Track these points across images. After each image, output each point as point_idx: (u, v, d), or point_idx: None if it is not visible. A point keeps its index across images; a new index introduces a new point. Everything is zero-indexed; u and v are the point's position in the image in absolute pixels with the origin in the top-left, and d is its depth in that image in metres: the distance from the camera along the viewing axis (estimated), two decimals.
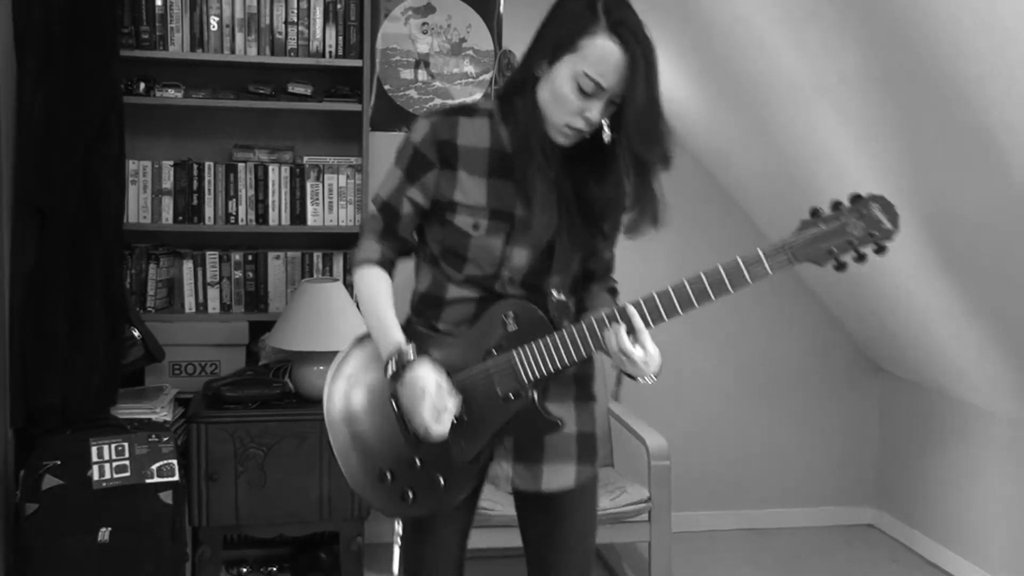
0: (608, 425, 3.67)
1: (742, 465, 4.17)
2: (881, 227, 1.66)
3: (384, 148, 3.54)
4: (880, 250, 1.69)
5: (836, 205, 1.68)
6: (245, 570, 3.36)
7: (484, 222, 1.84)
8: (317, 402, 3.14)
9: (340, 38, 3.48)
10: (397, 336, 1.85)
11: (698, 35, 3.19)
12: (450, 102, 3.62)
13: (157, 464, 2.92)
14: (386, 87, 3.65)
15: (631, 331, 1.75)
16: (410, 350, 1.81)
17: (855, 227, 1.67)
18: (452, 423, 1.81)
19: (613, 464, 3.66)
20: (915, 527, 4.00)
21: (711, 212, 3.97)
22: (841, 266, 1.69)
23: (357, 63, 3.46)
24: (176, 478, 2.91)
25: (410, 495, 1.88)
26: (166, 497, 2.90)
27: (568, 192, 1.86)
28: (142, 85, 3.35)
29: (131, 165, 3.35)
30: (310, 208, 3.50)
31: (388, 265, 1.94)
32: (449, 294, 1.90)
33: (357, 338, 1.99)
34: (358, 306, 1.99)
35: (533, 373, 1.82)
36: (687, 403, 4.08)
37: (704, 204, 3.94)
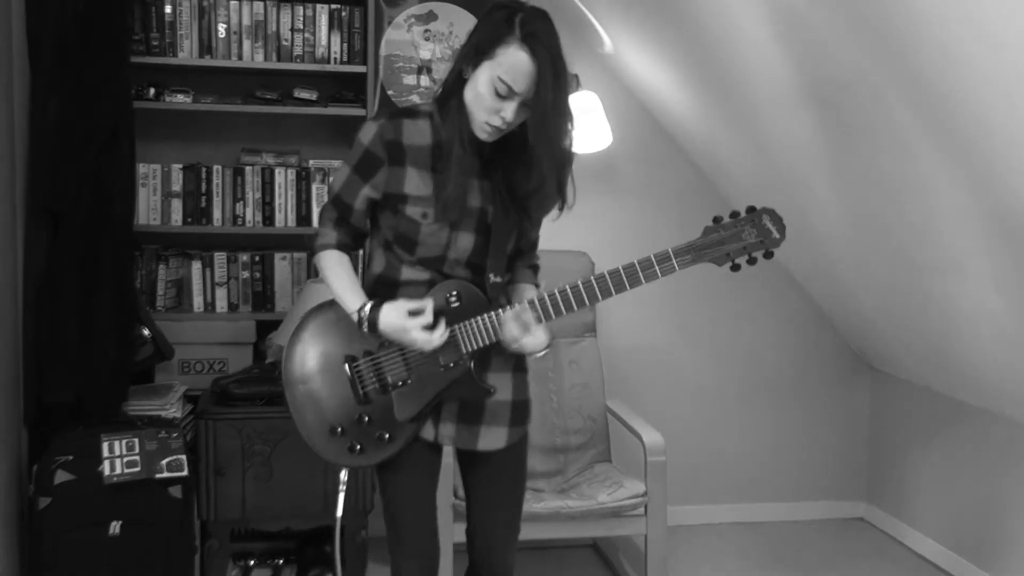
0: (605, 420, 3.67)
1: (736, 460, 4.17)
2: (770, 236, 1.94)
3: None
4: (768, 255, 1.96)
5: (734, 214, 1.94)
6: (252, 562, 3.36)
7: (431, 211, 2.02)
8: None
9: (344, 45, 3.48)
10: (358, 297, 2.06)
11: (692, 43, 3.19)
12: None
13: (166, 459, 2.92)
14: (389, 92, 3.65)
15: (525, 323, 2.00)
16: (368, 303, 2.03)
17: (749, 234, 1.94)
18: (398, 385, 2.08)
19: (611, 459, 3.66)
20: (903, 520, 4.00)
21: (706, 213, 3.96)
22: (735, 267, 1.95)
23: (361, 69, 3.46)
24: (185, 473, 2.92)
25: (357, 447, 2.10)
26: (175, 491, 2.90)
27: (499, 181, 2.06)
28: (152, 90, 3.35)
29: (141, 168, 3.36)
30: (315, 210, 3.50)
31: (345, 248, 2.14)
32: (403, 276, 2.09)
33: (312, 308, 2.18)
34: (325, 281, 2.16)
35: (472, 344, 2.05)
36: (682, 401, 4.08)
37: (701, 206, 3.94)
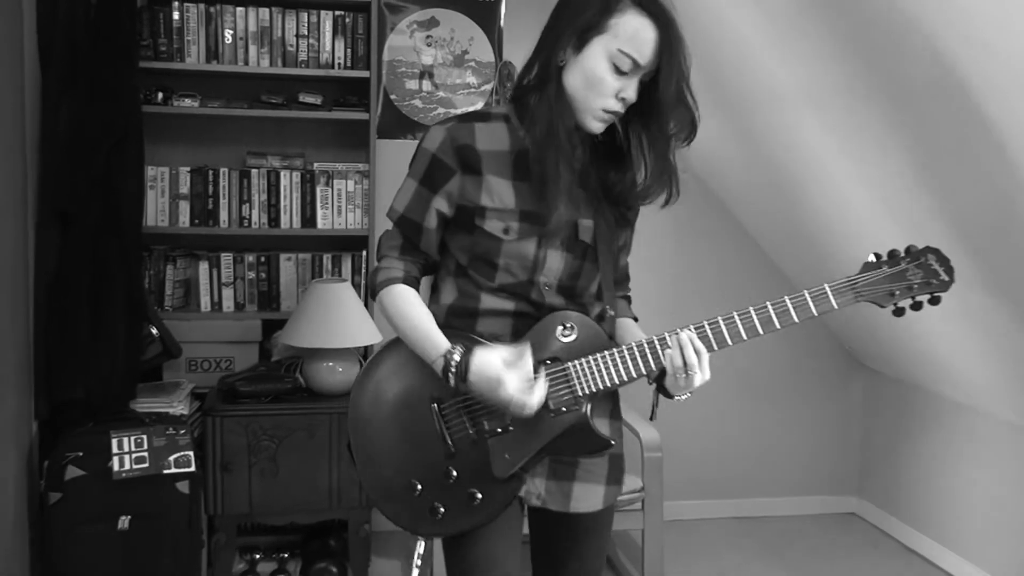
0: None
1: (731, 457, 4.17)
2: (939, 278, 1.67)
3: (390, 155, 3.54)
4: (934, 301, 1.68)
5: (892, 253, 1.68)
6: (258, 556, 3.36)
7: (515, 224, 1.69)
8: (327, 397, 3.18)
9: (348, 50, 3.48)
10: (444, 342, 1.67)
11: (690, 47, 3.19)
12: (458, 111, 3.62)
13: (174, 455, 2.92)
14: (392, 97, 3.65)
15: (697, 352, 1.66)
16: (457, 348, 1.65)
17: (914, 275, 1.67)
18: (497, 432, 1.68)
19: None
20: (894, 515, 4.00)
21: (704, 217, 3.97)
22: (899, 311, 1.69)
23: (365, 74, 3.46)
24: (192, 469, 2.91)
25: (440, 509, 1.69)
26: (183, 487, 2.90)
27: (594, 184, 1.75)
28: (160, 95, 3.35)
29: (150, 171, 3.35)
30: (320, 212, 3.50)
31: (413, 283, 1.77)
32: (483, 304, 1.73)
33: (384, 344, 1.81)
34: (393, 323, 1.75)
35: (588, 387, 1.68)
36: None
37: (697, 209, 3.94)
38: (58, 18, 2.93)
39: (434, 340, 1.68)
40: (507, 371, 1.60)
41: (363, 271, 3.54)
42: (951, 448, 3.67)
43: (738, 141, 3.46)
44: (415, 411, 1.72)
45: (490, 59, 3.72)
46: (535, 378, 1.63)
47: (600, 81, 1.63)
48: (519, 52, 1.76)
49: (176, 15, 3.34)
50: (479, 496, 1.68)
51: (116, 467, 2.85)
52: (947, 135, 2.39)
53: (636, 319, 1.93)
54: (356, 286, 3.45)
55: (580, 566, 1.86)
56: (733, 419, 4.16)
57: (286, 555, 3.37)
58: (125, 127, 3.05)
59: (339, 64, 3.47)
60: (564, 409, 1.67)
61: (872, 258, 1.69)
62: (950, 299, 2.67)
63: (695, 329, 1.69)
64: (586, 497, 1.78)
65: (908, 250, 1.68)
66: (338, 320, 3.11)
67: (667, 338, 1.67)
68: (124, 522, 2.83)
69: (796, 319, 1.65)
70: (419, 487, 1.71)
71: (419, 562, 1.85)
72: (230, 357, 3.47)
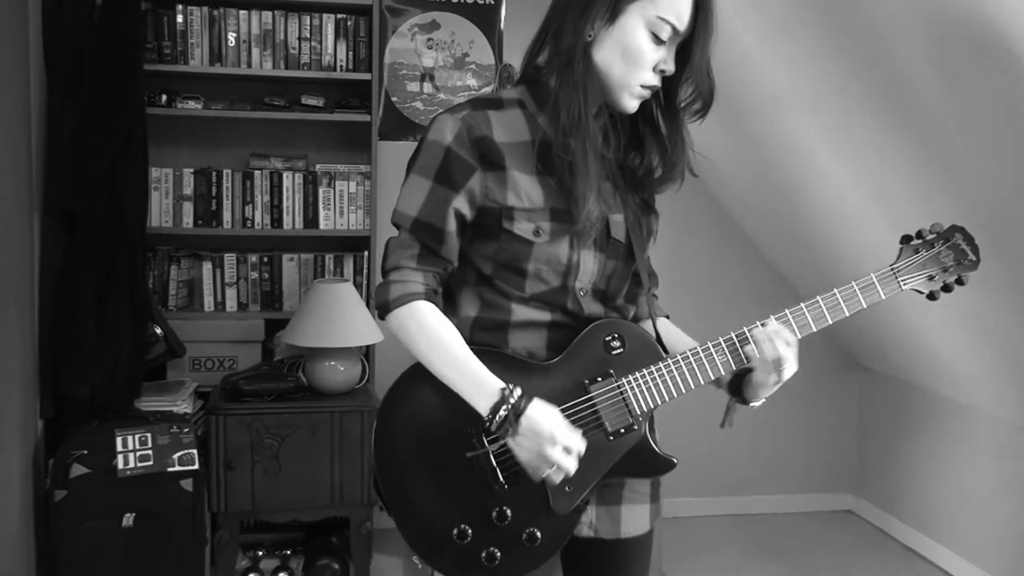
0: None
1: (729, 455, 4.17)
2: (968, 258, 1.57)
3: (391, 156, 3.54)
4: (961, 281, 1.58)
5: (920, 234, 1.58)
6: (261, 553, 3.36)
7: (546, 225, 1.49)
8: (329, 395, 3.19)
9: (350, 53, 3.48)
10: (492, 379, 1.45)
11: None
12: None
13: (178, 453, 2.92)
14: (393, 99, 3.66)
15: (787, 343, 1.52)
16: (516, 391, 1.44)
17: (947, 256, 1.57)
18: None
19: None
20: (891, 513, 4.01)
21: (702, 218, 3.97)
22: (932, 295, 1.57)
23: (366, 76, 3.47)
24: (196, 467, 2.92)
25: (497, 555, 1.49)
26: (187, 484, 2.90)
27: (616, 173, 1.58)
28: (164, 97, 3.36)
29: (154, 172, 3.36)
30: (322, 213, 3.50)
31: (435, 299, 1.53)
32: (515, 316, 1.52)
33: (403, 375, 1.56)
34: (417, 349, 1.52)
35: (647, 404, 1.52)
36: (677, 398, 4.08)
37: (694, 210, 3.95)
38: (63, 21, 2.93)
39: (480, 379, 1.46)
40: (559, 435, 1.42)
41: (365, 271, 3.54)
42: (947, 446, 3.67)
43: (736, 143, 3.46)
44: (456, 449, 1.49)
45: (490, 62, 3.72)
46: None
47: (640, 53, 1.46)
48: (519, 55, 1.66)
49: (180, 18, 3.35)
50: (539, 535, 1.49)
51: (121, 465, 2.85)
52: (940, 136, 2.40)
53: (667, 316, 1.76)
54: (358, 286, 3.46)
55: None
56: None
57: (288, 552, 3.38)
58: (130, 129, 3.05)
59: (341, 67, 3.47)
60: (623, 431, 1.51)
61: (902, 242, 1.58)
62: (948, 298, 2.67)
63: (779, 318, 1.54)
64: (634, 519, 1.62)
65: (933, 229, 1.57)
66: (340, 320, 3.12)
67: (751, 333, 1.53)
68: (128, 519, 2.83)
69: (847, 312, 1.54)
70: (469, 532, 1.49)
71: None
72: (233, 356, 3.47)
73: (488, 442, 1.48)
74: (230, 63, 3.39)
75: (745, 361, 1.53)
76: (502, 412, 1.42)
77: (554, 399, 1.47)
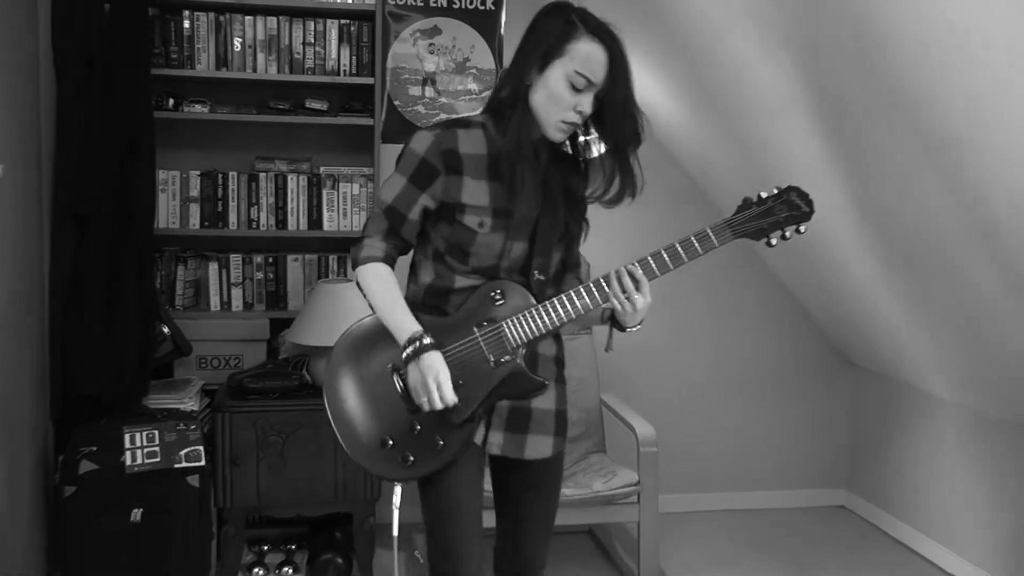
0: (600, 413, 3.68)
1: (724, 451, 4.18)
2: (800, 210, 1.91)
3: (394, 159, 3.53)
4: (799, 230, 1.92)
5: (760, 195, 1.92)
6: (266, 547, 3.37)
7: (488, 220, 1.92)
8: None
9: (353, 58, 3.49)
10: (413, 324, 1.91)
11: (682, 57, 3.20)
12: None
13: (185, 450, 2.93)
14: (396, 103, 3.66)
15: (636, 280, 1.90)
16: (426, 337, 1.88)
17: (780, 210, 1.91)
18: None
19: (605, 450, 3.66)
20: (882, 508, 4.01)
21: (694, 218, 3.97)
22: (770, 243, 1.93)
23: (369, 81, 3.47)
24: (202, 463, 2.93)
25: (411, 458, 1.94)
26: (193, 480, 2.91)
27: (555, 187, 1.99)
28: (171, 101, 3.36)
29: (161, 175, 3.36)
30: (326, 214, 3.51)
31: (391, 262, 2.00)
32: (457, 284, 1.96)
33: (347, 329, 2.04)
34: (368, 293, 1.99)
35: (520, 338, 1.92)
36: (674, 395, 4.09)
37: (690, 208, 3.95)
38: (73, 27, 2.94)
39: (404, 323, 1.92)
40: (445, 378, 1.86)
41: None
42: (937, 443, 3.68)
43: (730, 145, 3.47)
44: (379, 381, 1.97)
45: (491, 66, 3.72)
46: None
47: (559, 97, 1.87)
48: None
49: (187, 24, 3.35)
50: (441, 442, 1.94)
51: (129, 461, 2.86)
52: (934, 135, 2.40)
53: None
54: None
55: (534, 507, 2.11)
56: (726, 416, 4.17)
57: (293, 547, 3.38)
58: (138, 133, 3.06)
59: (344, 71, 3.48)
60: (503, 360, 1.93)
61: (742, 203, 1.92)
62: (938, 299, 2.66)
63: (624, 267, 1.92)
64: (537, 446, 2.02)
65: (775, 189, 1.91)
66: (343, 319, 3.08)
67: (591, 284, 1.91)
68: (136, 514, 2.84)
69: (685, 259, 1.90)
70: (390, 442, 1.95)
71: (398, 503, 2.05)
72: (239, 355, 3.48)
73: (400, 375, 1.94)
74: (236, 68, 3.39)
75: (601, 301, 1.93)
76: (410, 349, 1.88)
77: (453, 339, 1.94)
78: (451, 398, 1.87)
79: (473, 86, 3.72)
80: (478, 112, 2.02)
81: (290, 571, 3.21)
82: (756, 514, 4.14)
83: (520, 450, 2.01)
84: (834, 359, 4.23)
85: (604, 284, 1.91)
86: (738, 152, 3.45)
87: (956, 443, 3.57)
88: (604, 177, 1.96)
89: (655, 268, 1.91)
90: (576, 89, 1.86)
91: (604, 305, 1.94)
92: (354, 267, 2.01)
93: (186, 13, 3.34)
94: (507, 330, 1.92)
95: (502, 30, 3.72)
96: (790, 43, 2.60)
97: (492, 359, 1.93)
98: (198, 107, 3.39)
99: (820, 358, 4.22)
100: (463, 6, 3.67)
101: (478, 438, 1.98)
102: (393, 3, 3.61)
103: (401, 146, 2.02)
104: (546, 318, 1.92)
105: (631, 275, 1.90)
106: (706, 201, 3.99)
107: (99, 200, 2.97)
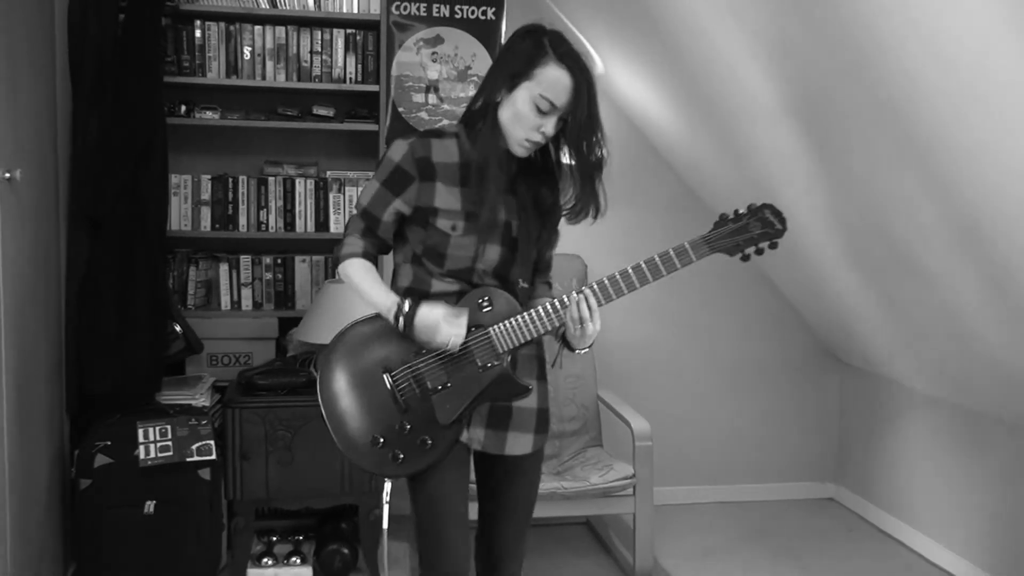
0: (597, 408, 3.68)
1: (717, 445, 4.18)
2: (773, 227, 1.91)
3: None
4: (773, 245, 1.93)
5: (736, 211, 1.92)
6: (275, 538, 3.36)
7: (461, 223, 1.95)
8: None
9: (359, 66, 3.48)
10: (393, 296, 1.96)
11: (676, 64, 3.19)
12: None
13: (196, 444, 2.93)
14: (400, 109, 3.66)
15: (589, 308, 1.91)
16: (405, 303, 1.92)
17: (754, 227, 1.91)
18: (438, 389, 1.95)
19: (602, 444, 3.66)
20: (870, 500, 4.01)
21: (690, 223, 3.97)
22: (745, 257, 1.93)
23: (374, 88, 3.47)
24: (213, 457, 2.93)
25: (400, 456, 1.96)
26: (204, 474, 2.91)
27: (525, 196, 2.01)
28: (183, 108, 3.36)
29: (173, 179, 3.36)
30: (333, 217, 3.50)
31: (370, 258, 2.04)
32: (433, 288, 1.98)
33: (342, 329, 2.05)
34: (353, 283, 2.04)
35: (506, 344, 1.94)
36: (669, 391, 4.09)
37: (684, 213, 3.95)
38: (88, 36, 2.93)
39: (386, 297, 1.96)
40: (443, 321, 1.89)
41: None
42: (922, 437, 3.68)
43: (723, 151, 3.46)
44: (371, 381, 1.98)
45: None
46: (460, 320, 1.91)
47: (524, 117, 1.90)
48: None
49: (198, 33, 3.35)
50: (429, 441, 1.96)
51: (142, 455, 2.86)
52: (918, 142, 2.40)
53: (552, 295, 2.12)
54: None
55: (512, 501, 2.12)
56: (719, 411, 4.17)
57: (301, 538, 3.38)
58: (151, 138, 3.06)
59: (350, 79, 3.48)
60: (490, 364, 1.94)
61: (719, 219, 1.92)
62: (924, 300, 2.66)
63: (587, 288, 1.92)
64: (518, 443, 2.03)
65: (749, 207, 1.91)
66: (349, 318, 3.10)
67: (565, 298, 1.91)
68: (150, 507, 2.84)
69: (664, 272, 1.90)
70: (381, 440, 1.97)
71: (388, 499, 2.22)
72: (249, 352, 3.48)
73: (391, 376, 1.97)
74: (246, 75, 3.39)
75: (563, 319, 1.93)
76: (401, 320, 1.92)
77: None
78: (462, 330, 1.90)
79: (474, 93, 3.72)
80: (454, 123, 2.05)
81: (298, 561, 3.20)
82: (748, 506, 4.14)
83: (501, 446, 2.02)
84: (823, 357, 4.23)
85: (561, 309, 1.92)
86: (727, 157, 3.45)
87: (942, 438, 3.57)
88: (572, 192, 1.98)
89: (635, 281, 1.91)
90: (541, 111, 1.88)
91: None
92: (336, 264, 2.07)
93: (197, 23, 3.34)
94: (495, 336, 1.94)
95: (502, 39, 3.72)
96: (775, 50, 2.60)
97: (480, 363, 1.95)
98: (209, 113, 3.39)
99: (809, 356, 4.22)
100: (465, 16, 3.67)
101: (463, 436, 2.00)
102: (397, 13, 3.61)
103: None
104: (531, 326, 1.93)
105: (587, 300, 1.90)
106: (697, 201, 3.99)
107: (113, 203, 2.97)
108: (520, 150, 1.95)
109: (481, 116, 1.97)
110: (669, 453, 3.94)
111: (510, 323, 1.93)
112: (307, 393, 3.16)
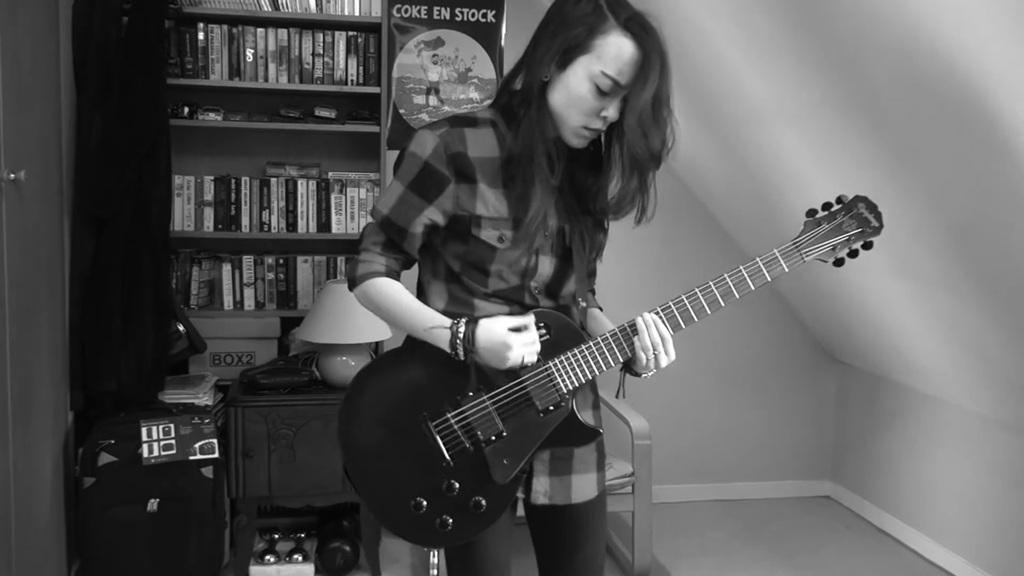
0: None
1: (715, 444, 4.17)
2: (870, 225, 1.61)
3: None
4: (867, 246, 1.61)
5: (827, 206, 1.61)
6: (277, 536, 3.36)
7: (509, 233, 1.58)
8: (341, 388, 3.18)
9: (361, 68, 3.48)
10: (442, 320, 1.56)
11: (675, 65, 3.19)
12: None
13: (199, 443, 2.92)
14: (401, 111, 3.65)
15: (661, 335, 1.59)
16: (460, 324, 1.54)
17: (849, 226, 1.61)
18: (492, 440, 1.57)
19: None
20: (866, 498, 4.00)
21: (689, 224, 3.97)
22: (839, 262, 1.63)
23: (375, 90, 3.46)
24: (216, 455, 2.92)
25: (449, 521, 1.58)
26: (207, 472, 2.90)
27: (568, 194, 1.65)
28: (186, 109, 3.35)
29: (176, 179, 3.35)
30: (334, 218, 3.50)
31: (394, 277, 1.64)
32: (477, 311, 1.60)
33: (364, 368, 1.68)
34: (381, 310, 1.64)
35: (571, 382, 1.58)
36: (667, 390, 4.08)
37: (682, 217, 3.94)
38: (92, 38, 2.93)
39: (434, 314, 1.58)
40: (512, 336, 1.52)
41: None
42: (918, 436, 3.67)
43: (721, 154, 3.46)
44: (409, 432, 1.59)
45: (492, 76, 3.72)
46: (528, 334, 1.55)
47: (582, 100, 1.53)
48: None
49: (201, 35, 3.34)
50: (484, 503, 1.58)
51: (146, 454, 2.86)
52: (911, 146, 2.40)
53: (601, 308, 1.83)
54: None
55: (585, 553, 1.74)
56: (716, 409, 4.16)
57: (303, 535, 3.37)
58: (154, 139, 3.05)
59: (352, 81, 3.47)
60: (552, 408, 1.58)
61: (808, 216, 1.63)
62: (920, 300, 2.66)
63: (662, 310, 1.60)
64: (583, 487, 1.70)
65: (840, 200, 1.61)
66: (351, 317, 3.11)
67: (637, 322, 1.58)
68: (153, 505, 2.83)
69: (752, 286, 1.60)
70: (424, 504, 1.59)
71: (436, 573, 1.73)
72: (251, 352, 3.47)
73: (434, 426, 1.58)
74: (248, 77, 3.39)
75: (634, 347, 1.59)
76: (459, 346, 1.53)
77: (492, 386, 1.57)
78: (535, 341, 1.54)
79: (475, 95, 3.72)
80: (485, 106, 1.67)
81: (300, 558, 3.20)
82: (745, 504, 4.14)
83: (567, 494, 1.67)
84: (820, 355, 4.23)
85: (632, 334, 1.59)
86: (727, 156, 3.45)
87: (938, 436, 3.56)
88: (619, 185, 1.60)
89: (705, 308, 1.60)
90: (601, 92, 1.51)
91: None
92: (351, 287, 1.64)
93: (200, 25, 3.33)
94: (556, 372, 1.57)
95: (503, 41, 3.71)
96: (783, 54, 2.60)
97: (540, 406, 1.57)
98: (212, 115, 3.38)
99: (806, 354, 4.22)
100: (465, 19, 3.66)
101: (520, 491, 1.64)
102: (398, 16, 3.61)
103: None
104: (599, 359, 1.58)
105: (658, 330, 1.57)
106: (694, 200, 3.98)
107: (117, 204, 2.96)
108: (576, 140, 1.58)
109: (524, 99, 1.57)
110: (668, 452, 3.93)
111: (574, 355, 1.57)
112: (309, 392, 3.15)
